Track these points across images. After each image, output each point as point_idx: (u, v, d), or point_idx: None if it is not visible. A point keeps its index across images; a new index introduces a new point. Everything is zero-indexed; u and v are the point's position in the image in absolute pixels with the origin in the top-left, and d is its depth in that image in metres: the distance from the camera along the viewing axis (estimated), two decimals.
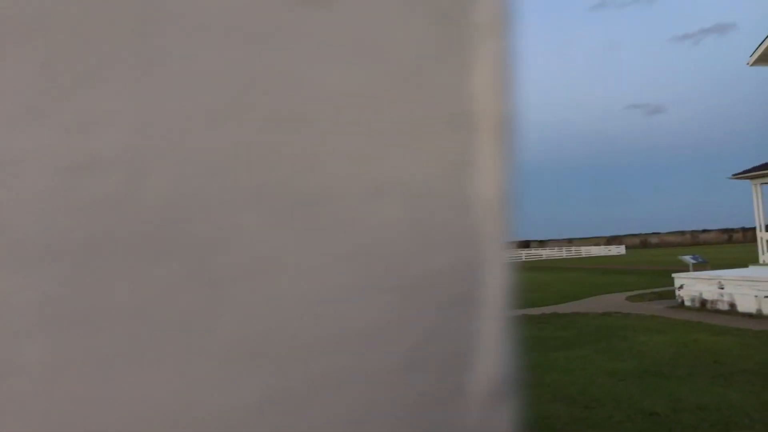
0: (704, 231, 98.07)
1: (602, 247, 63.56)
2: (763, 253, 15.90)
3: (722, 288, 12.20)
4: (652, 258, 44.00)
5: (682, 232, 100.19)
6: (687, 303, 13.19)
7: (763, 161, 15.99)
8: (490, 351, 0.29)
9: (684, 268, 20.29)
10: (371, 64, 0.27)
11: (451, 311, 0.28)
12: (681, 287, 13.51)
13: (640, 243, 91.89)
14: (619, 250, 59.48)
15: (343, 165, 0.26)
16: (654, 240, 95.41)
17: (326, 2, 0.26)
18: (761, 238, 16.07)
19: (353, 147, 0.26)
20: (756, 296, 11.35)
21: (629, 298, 15.81)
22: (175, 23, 0.24)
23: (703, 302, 12.68)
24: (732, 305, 11.93)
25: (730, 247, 63.95)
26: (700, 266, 20.68)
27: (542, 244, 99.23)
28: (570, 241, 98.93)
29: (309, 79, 0.26)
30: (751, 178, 16.07)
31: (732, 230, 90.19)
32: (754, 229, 16.44)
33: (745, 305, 11.60)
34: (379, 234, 0.26)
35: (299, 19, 0.26)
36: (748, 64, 14.45)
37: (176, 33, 0.24)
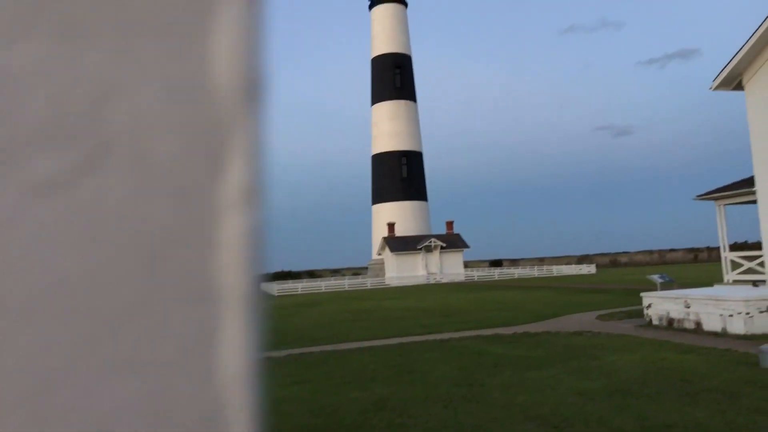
0: (671, 250, 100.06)
1: (573, 266, 64.30)
2: (727, 273, 16.28)
3: (688, 307, 12.42)
4: (622, 277, 44.66)
5: (651, 252, 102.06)
6: (655, 322, 13.39)
7: (727, 182, 16.46)
8: None
9: (652, 287, 20.64)
10: (110, 246, 0.26)
11: None
12: (649, 306, 13.71)
13: (610, 262, 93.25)
14: (589, 269, 60.25)
15: (74, 348, 0.25)
16: (623, 259, 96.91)
17: (63, 189, 0.25)
18: (725, 258, 16.46)
19: (86, 329, 0.25)
20: (721, 315, 11.57)
21: (599, 317, 16.00)
22: None
23: (671, 321, 12.89)
24: (698, 324, 12.15)
25: (696, 266, 65.36)
26: (667, 285, 21.06)
27: (514, 263, 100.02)
28: (542, 260, 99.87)
29: (42, 264, 0.25)
30: (715, 199, 16.50)
31: (698, 249, 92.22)
32: (718, 248, 16.84)
33: (711, 324, 11.82)
34: (115, 415, 0.25)
35: (33, 206, 0.25)
36: (710, 88, 14.93)
37: None
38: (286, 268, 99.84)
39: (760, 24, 13.34)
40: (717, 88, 14.74)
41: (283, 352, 12.18)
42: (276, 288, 50.65)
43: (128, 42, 0.27)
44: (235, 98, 0.28)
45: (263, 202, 0.28)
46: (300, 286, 52.07)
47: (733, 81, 14.46)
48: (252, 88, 0.28)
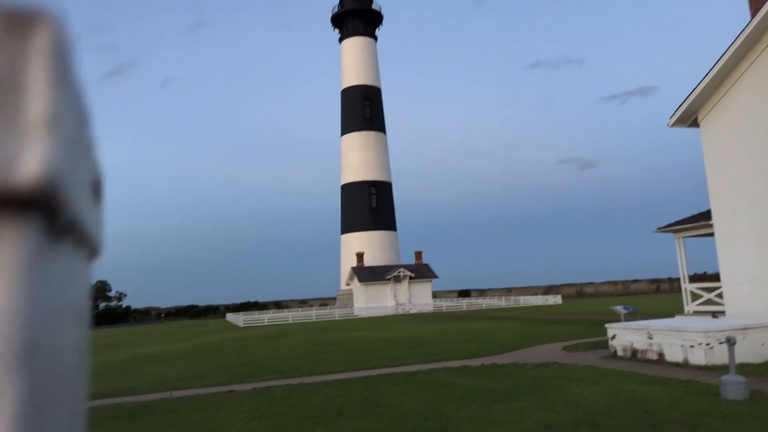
0: (635, 281, 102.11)
1: (540, 296, 64.91)
2: (687, 304, 16.65)
3: (651, 338, 12.62)
4: (587, 308, 45.23)
5: (615, 282, 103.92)
6: (619, 353, 13.55)
7: (687, 215, 16.96)
8: None
9: (616, 318, 20.97)
10: None
11: None
12: (613, 337, 13.89)
13: (576, 292, 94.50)
14: (555, 299, 60.90)
15: None
16: (589, 290, 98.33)
17: None
18: (685, 289, 16.86)
19: None
20: (682, 346, 11.79)
21: (565, 348, 16.11)
22: None
23: (635, 352, 13.06)
24: (661, 354, 12.34)
25: (659, 296, 66.70)
26: (631, 316, 21.41)
27: (482, 293, 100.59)
28: (509, 291, 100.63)
29: None
30: (674, 231, 16.96)
31: (660, 280, 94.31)
32: (679, 279, 17.24)
33: (673, 355, 12.02)
34: None
35: None
36: (668, 125, 15.49)
37: None
38: (253, 299, 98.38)
39: (713, 65, 13.98)
40: (674, 124, 15.29)
41: (247, 386, 11.89)
42: (242, 319, 49.69)
43: None
44: None
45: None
46: (266, 317, 51.20)
47: (689, 118, 15.04)
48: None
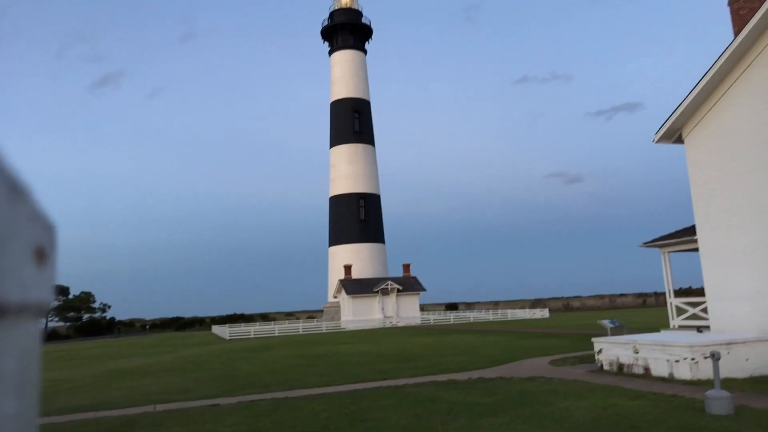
0: (621, 295, 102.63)
1: (527, 310, 65.02)
2: (673, 318, 16.75)
3: (637, 352, 12.67)
4: (574, 321, 45.36)
5: (602, 296, 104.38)
6: (606, 367, 13.58)
7: (673, 229, 17.11)
8: None
9: (603, 332, 21.02)
10: None
11: None
12: (600, 351, 13.92)
13: (563, 306, 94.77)
14: (543, 313, 61.02)
15: None
16: (576, 303, 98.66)
17: None
18: (671, 304, 16.97)
19: None
20: (668, 360, 11.84)
21: (552, 362, 16.12)
22: None
23: (621, 366, 13.10)
24: (647, 369, 12.38)
25: (645, 310, 67.08)
26: (617, 330, 21.49)
27: (470, 306, 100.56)
28: (496, 304, 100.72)
29: None
30: (660, 246, 17.10)
31: (646, 294, 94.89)
32: (665, 293, 17.35)
33: (659, 369, 12.07)
34: None
35: None
36: (653, 141, 15.67)
37: None
38: (239, 311, 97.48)
39: (697, 83, 14.19)
40: (659, 141, 15.48)
41: (232, 400, 11.74)
42: (228, 331, 49.23)
43: None
44: None
45: None
46: (253, 330, 50.76)
47: (674, 135, 15.23)
48: None
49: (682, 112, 14.62)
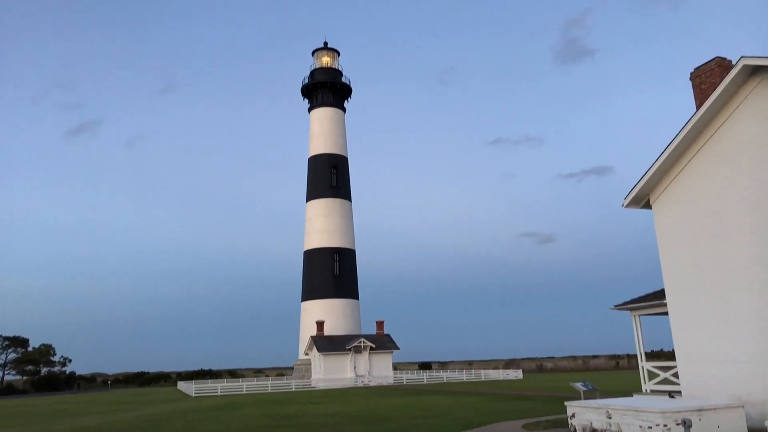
0: (594, 356, 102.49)
1: (501, 370, 64.29)
2: (645, 383, 16.71)
3: (610, 417, 12.54)
4: (547, 383, 44.94)
5: (575, 357, 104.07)
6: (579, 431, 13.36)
7: (645, 291, 17.29)
8: None
9: (576, 395, 20.83)
10: None
11: None
12: (573, 416, 13.74)
13: (537, 367, 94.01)
14: (516, 374, 60.35)
15: None
16: (549, 364, 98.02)
17: None
18: (643, 368, 16.97)
19: None
20: (641, 426, 11.72)
21: (525, 426, 15.83)
22: None
23: (594, 431, 12.91)
24: None
25: (618, 373, 66.88)
26: (590, 394, 21.33)
27: (443, 365, 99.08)
28: (470, 364, 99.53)
29: None
30: (631, 309, 17.24)
31: (619, 357, 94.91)
32: (637, 356, 17.36)
33: None
34: None
35: None
36: (622, 206, 16.06)
37: None
38: (206, 367, 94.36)
39: (663, 150, 14.73)
40: (628, 205, 15.87)
41: None
42: (194, 388, 47.53)
43: None
44: None
45: None
46: (219, 387, 49.13)
47: (642, 200, 15.65)
48: None
49: (649, 178, 15.08)
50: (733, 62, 13.75)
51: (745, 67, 12.92)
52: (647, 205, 15.66)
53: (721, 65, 14.26)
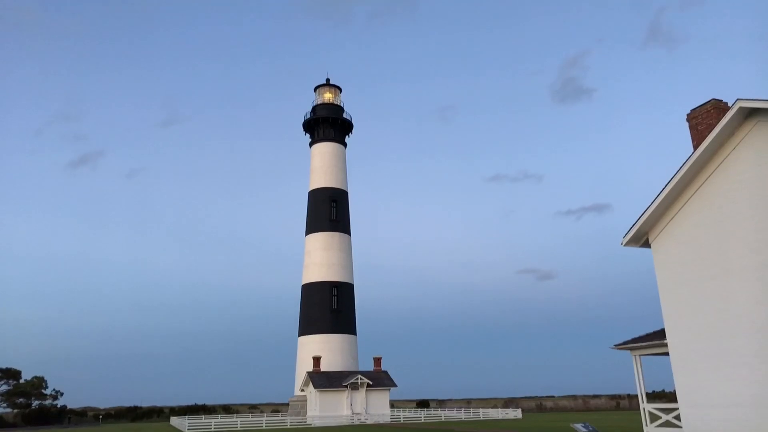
0: (594, 396, 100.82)
1: (500, 409, 63.16)
2: (646, 425, 16.39)
3: None
4: (547, 423, 44.09)
5: (575, 397, 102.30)
6: None
7: (646, 330, 17.10)
8: None
9: None
10: None
11: None
12: None
13: (536, 406, 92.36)
14: (516, 413, 59.26)
15: None
16: (549, 404, 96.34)
17: None
18: (644, 409, 16.68)
19: None
20: None
21: None
22: None
23: None
24: None
25: (619, 413, 65.68)
26: None
27: (442, 403, 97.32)
28: (469, 402, 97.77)
29: None
30: (631, 349, 17.04)
31: (620, 397, 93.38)
32: (638, 396, 17.07)
33: None
34: None
35: None
36: (621, 244, 16.04)
37: None
38: (200, 401, 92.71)
39: (661, 190, 14.80)
40: (627, 244, 15.86)
41: None
42: (187, 424, 46.61)
43: None
44: None
45: None
46: (213, 423, 48.20)
47: (641, 239, 15.65)
48: None
49: (648, 217, 15.11)
50: (729, 104, 13.94)
51: (741, 109, 13.09)
52: (646, 244, 15.65)
53: (717, 107, 14.45)
